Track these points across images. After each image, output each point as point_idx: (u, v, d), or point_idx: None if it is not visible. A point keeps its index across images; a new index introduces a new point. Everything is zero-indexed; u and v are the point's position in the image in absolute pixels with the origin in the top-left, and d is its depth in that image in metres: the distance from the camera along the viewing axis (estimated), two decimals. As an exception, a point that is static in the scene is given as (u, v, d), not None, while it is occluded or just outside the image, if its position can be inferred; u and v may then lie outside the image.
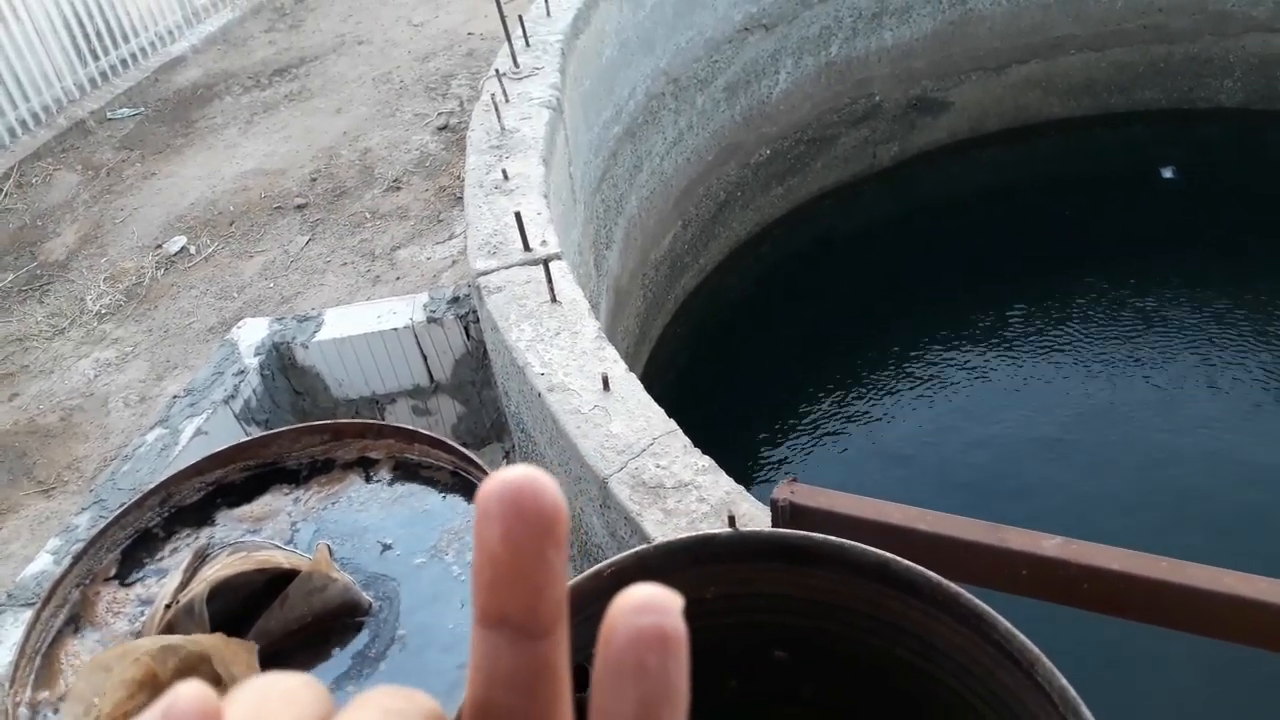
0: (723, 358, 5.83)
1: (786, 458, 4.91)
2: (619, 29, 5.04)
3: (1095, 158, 7.25)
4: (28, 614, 1.77)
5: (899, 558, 1.23)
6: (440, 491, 1.69)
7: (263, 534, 1.68)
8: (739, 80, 6.27)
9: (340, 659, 1.45)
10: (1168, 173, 6.79)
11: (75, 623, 1.55)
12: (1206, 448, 4.56)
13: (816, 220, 7.15)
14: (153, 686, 1.31)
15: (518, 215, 2.79)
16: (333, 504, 1.72)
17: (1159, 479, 4.39)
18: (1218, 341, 5.25)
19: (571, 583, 1.28)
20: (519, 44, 4.14)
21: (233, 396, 3.31)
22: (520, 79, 3.97)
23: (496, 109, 3.63)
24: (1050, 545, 1.49)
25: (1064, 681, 1.08)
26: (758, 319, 6.20)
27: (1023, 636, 1.13)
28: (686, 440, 2.14)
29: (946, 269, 6.34)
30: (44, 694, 1.43)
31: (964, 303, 5.92)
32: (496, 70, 3.93)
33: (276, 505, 1.74)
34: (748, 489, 2.06)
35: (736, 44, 6.14)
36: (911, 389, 5.34)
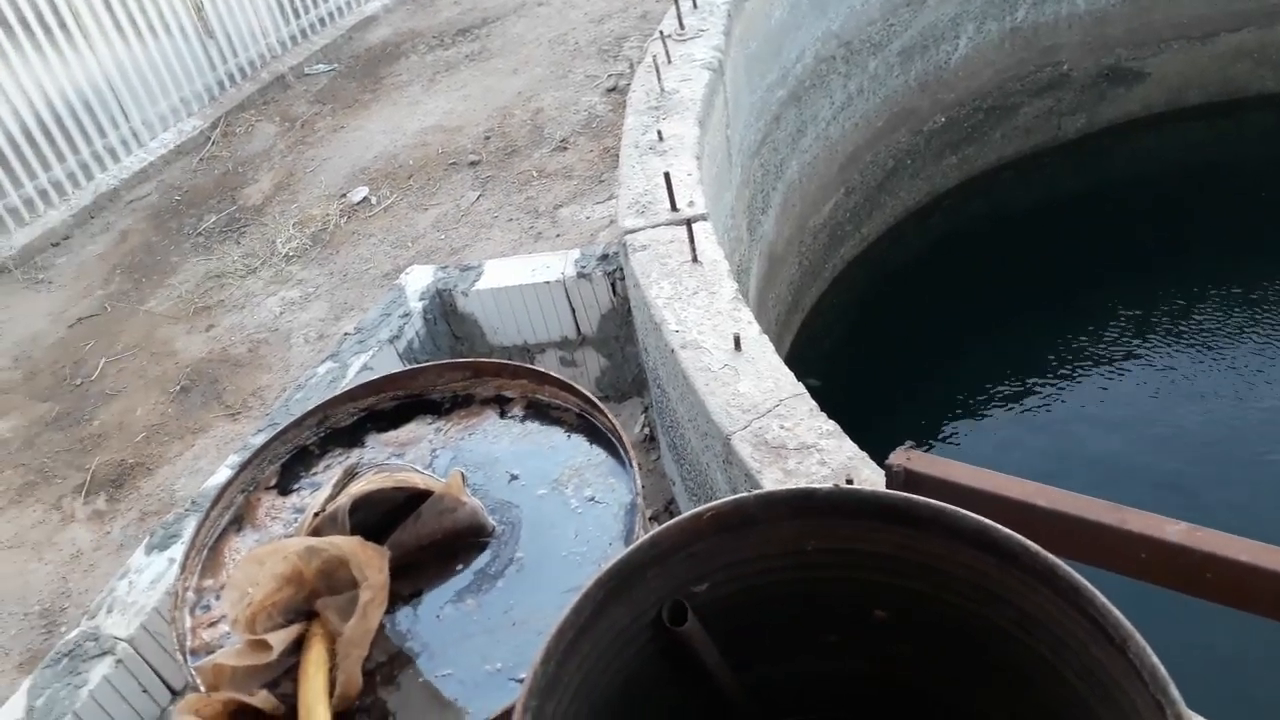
0: (878, 330, 5.72)
1: (925, 429, 4.79)
2: (790, -9, 4.99)
3: (1311, 136, 6.64)
4: (204, 515, 1.98)
5: (998, 525, 1.22)
6: (566, 431, 1.78)
7: (406, 458, 1.82)
8: (915, 45, 6.09)
9: (464, 574, 1.56)
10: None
11: (239, 523, 1.73)
12: None
13: (992, 193, 6.88)
14: (298, 581, 1.46)
15: (666, 176, 2.85)
16: (469, 435, 1.84)
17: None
18: None
19: (673, 521, 1.34)
20: (686, 6, 4.17)
21: (397, 337, 3.53)
22: (684, 40, 4.00)
23: (658, 70, 3.68)
24: (1174, 530, 1.44)
25: (1155, 660, 1.06)
26: (919, 293, 6.04)
27: (1118, 612, 1.12)
28: (813, 404, 2.15)
29: (1131, 251, 5.97)
30: (209, 581, 1.62)
31: (1142, 288, 5.59)
32: (661, 32, 3.97)
33: (420, 433, 1.88)
34: (877, 459, 2.06)
35: (915, 7, 5.95)
36: (1067, 374, 5.10)
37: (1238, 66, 6.79)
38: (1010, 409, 4.97)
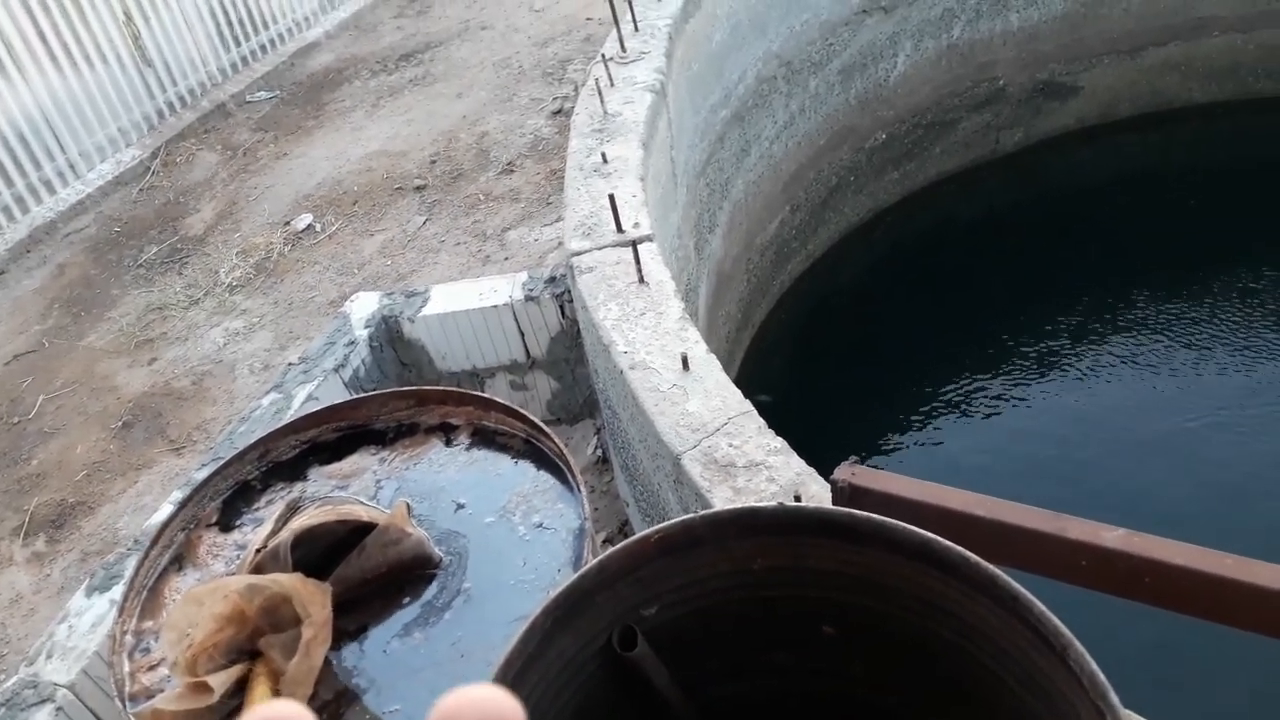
0: (827, 346, 5.78)
1: (872, 443, 4.84)
2: (730, 12, 5.04)
3: (1238, 146, 6.84)
4: (144, 555, 1.94)
5: (939, 538, 1.24)
6: (513, 457, 1.77)
7: (350, 490, 1.80)
8: (855, 63, 6.18)
9: (411, 607, 1.54)
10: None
11: (179, 562, 1.69)
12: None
13: (933, 207, 6.99)
14: (240, 620, 1.43)
15: (611, 198, 2.86)
16: (414, 464, 1.82)
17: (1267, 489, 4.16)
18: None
19: (620, 546, 1.34)
20: (627, 29, 4.20)
21: (343, 365, 3.49)
22: (626, 63, 4.03)
23: (600, 93, 3.70)
24: (1112, 537, 1.47)
25: (1094, 666, 1.08)
26: (866, 308, 6.11)
27: (1057, 620, 1.13)
28: (761, 422, 2.16)
29: (1070, 261, 6.10)
30: (149, 623, 1.58)
31: (1081, 298, 5.70)
32: (603, 55, 4.00)
33: (364, 464, 1.86)
34: (824, 474, 2.07)
35: (853, 26, 6.05)
36: (1011, 385, 5.19)
37: (1166, 79, 7.00)
38: (956, 420, 5.04)
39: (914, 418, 5.10)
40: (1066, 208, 6.68)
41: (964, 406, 5.14)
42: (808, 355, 5.73)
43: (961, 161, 7.05)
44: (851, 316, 5.98)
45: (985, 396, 5.18)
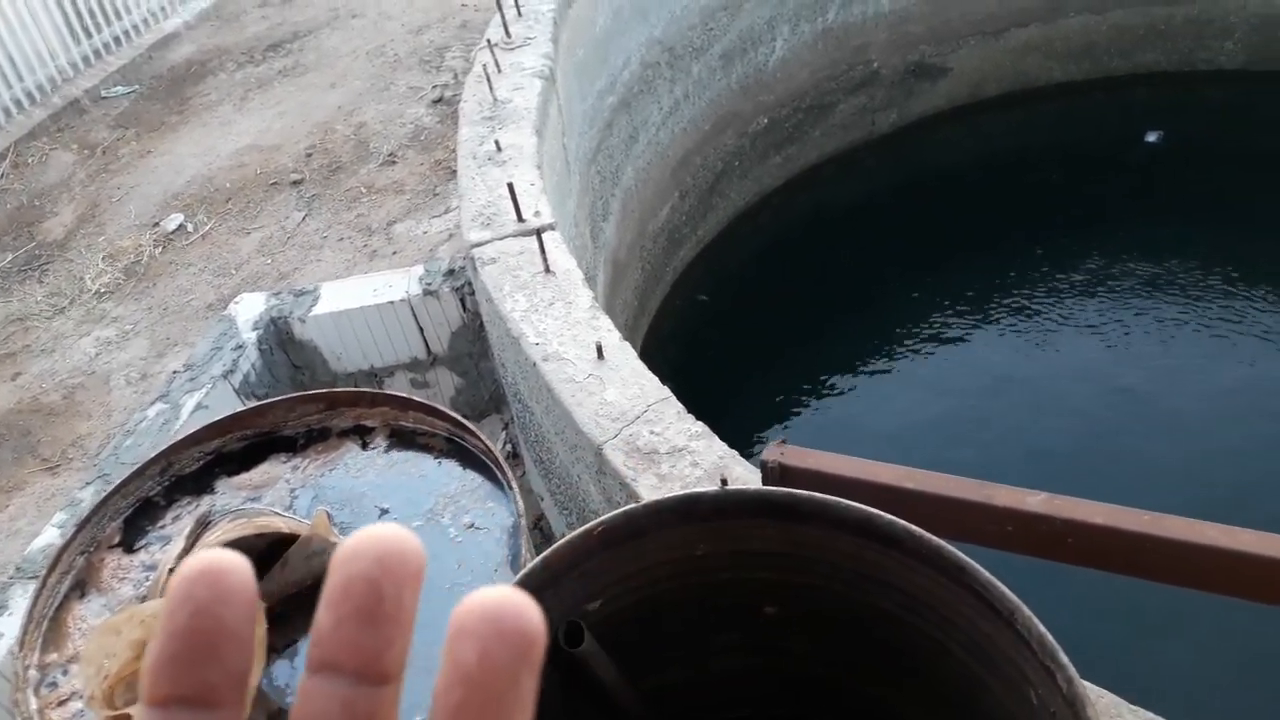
0: (722, 329, 5.84)
1: (785, 424, 4.94)
2: (612, -2, 5.02)
3: (1094, 122, 7.21)
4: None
5: (882, 513, 1.26)
6: (435, 457, 1.72)
7: (263, 501, 1.71)
8: (735, 48, 6.24)
9: (340, 620, 1.48)
10: (1152, 137, 6.76)
11: (81, 588, 1.58)
12: (1204, 407, 4.59)
13: (815, 189, 7.14)
14: (157, 648, 1.34)
15: (510, 186, 2.80)
16: (330, 471, 1.75)
17: (1154, 441, 4.43)
18: (1211, 304, 5.27)
19: (563, 541, 1.31)
20: (510, 14, 4.13)
21: (232, 371, 3.33)
22: (512, 49, 3.96)
23: (489, 80, 3.63)
24: (1034, 501, 1.52)
25: (1043, 629, 1.11)
26: (757, 290, 6.21)
27: (1002, 586, 1.16)
28: (680, 407, 2.16)
29: (945, 236, 6.32)
30: (52, 656, 1.47)
31: (961, 270, 5.93)
32: (488, 41, 3.92)
33: (275, 473, 1.77)
34: (745, 456, 2.09)
35: (732, 10, 6.10)
36: (908, 357, 5.37)
37: (1028, 59, 7.31)
38: (854, 397, 5.18)
39: (815, 395, 5.21)
40: (940, 186, 6.92)
41: (858, 383, 5.28)
42: (705, 340, 5.79)
43: (840, 143, 7.22)
44: (744, 300, 6.06)
45: (875, 371, 5.34)
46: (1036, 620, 1.10)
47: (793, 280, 6.12)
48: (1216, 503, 3.81)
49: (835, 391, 5.20)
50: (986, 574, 1.16)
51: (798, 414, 5.07)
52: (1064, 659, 1.07)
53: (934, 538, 1.20)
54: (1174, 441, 4.44)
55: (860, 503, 1.30)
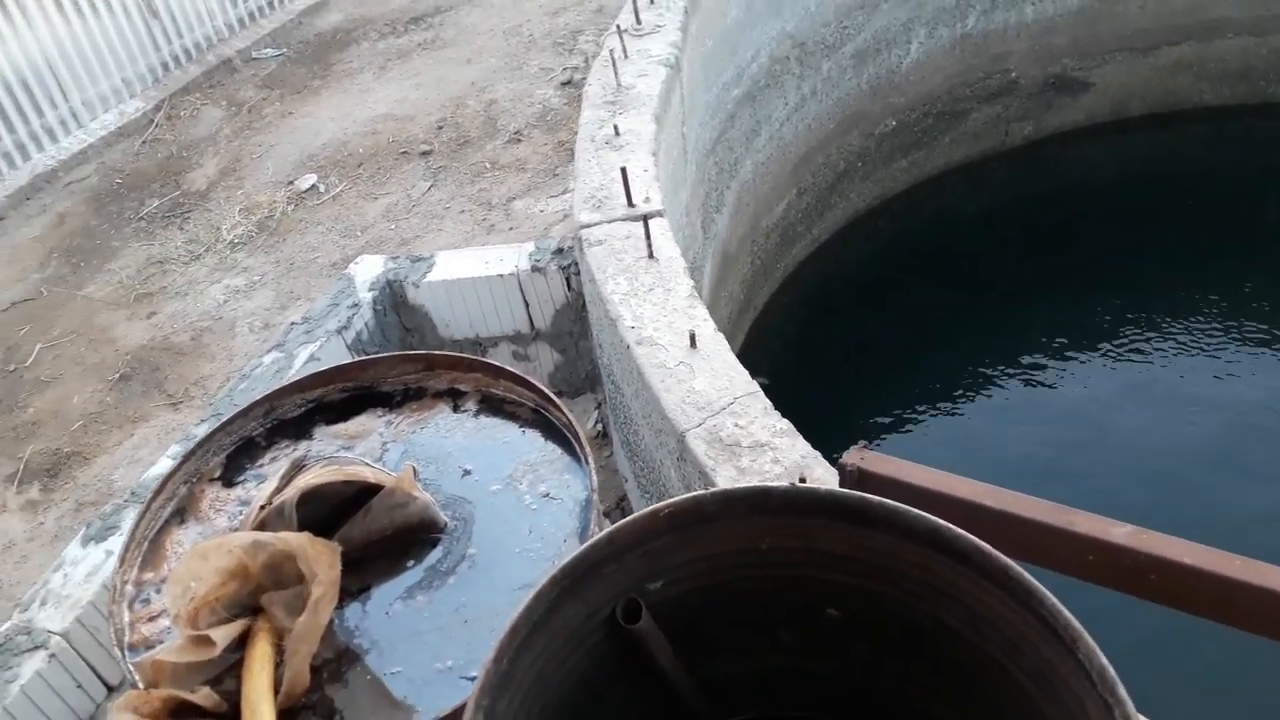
0: (826, 330, 5.78)
1: (875, 433, 4.85)
2: (747, -10, 5.00)
3: (1244, 149, 6.83)
4: (144, 507, 1.93)
5: (951, 525, 1.24)
6: (520, 426, 1.76)
7: (355, 451, 1.79)
8: (868, 48, 6.14)
9: (415, 570, 1.54)
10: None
11: (181, 515, 1.69)
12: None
13: (940, 197, 6.98)
14: (244, 576, 1.43)
15: (623, 171, 2.84)
16: (421, 428, 1.81)
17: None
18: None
19: (630, 518, 1.33)
20: (642, 0, 4.16)
21: (345, 327, 3.47)
22: (641, 36, 3.99)
23: (614, 65, 3.67)
24: (1119, 533, 1.47)
25: (1104, 660, 1.08)
26: (868, 294, 6.11)
27: (1068, 613, 1.13)
28: (767, 402, 2.16)
29: (1071, 257, 6.10)
30: (149, 575, 1.57)
31: (1084, 294, 5.71)
32: (618, 26, 3.96)
33: (370, 425, 1.84)
34: (829, 459, 2.07)
35: (868, 10, 6.00)
36: (1014, 379, 5.20)
37: (1178, 79, 6.97)
38: (956, 408, 5.05)
39: (913, 405, 5.11)
40: (1073, 203, 6.67)
41: (963, 396, 5.15)
42: (809, 340, 5.73)
43: (970, 152, 7.03)
44: (854, 303, 5.98)
45: (983, 388, 5.19)
46: (1099, 651, 1.07)
47: (906, 288, 6.00)
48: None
49: (932, 406, 5.09)
50: (1053, 599, 1.14)
51: (889, 423, 4.98)
52: (1123, 694, 1.04)
53: (1002, 556, 1.18)
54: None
55: (936, 516, 1.28)
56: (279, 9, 8.20)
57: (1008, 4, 6.48)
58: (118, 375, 4.44)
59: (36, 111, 6.35)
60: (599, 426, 3.64)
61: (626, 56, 3.83)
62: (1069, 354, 5.28)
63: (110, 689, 2.57)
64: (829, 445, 2.52)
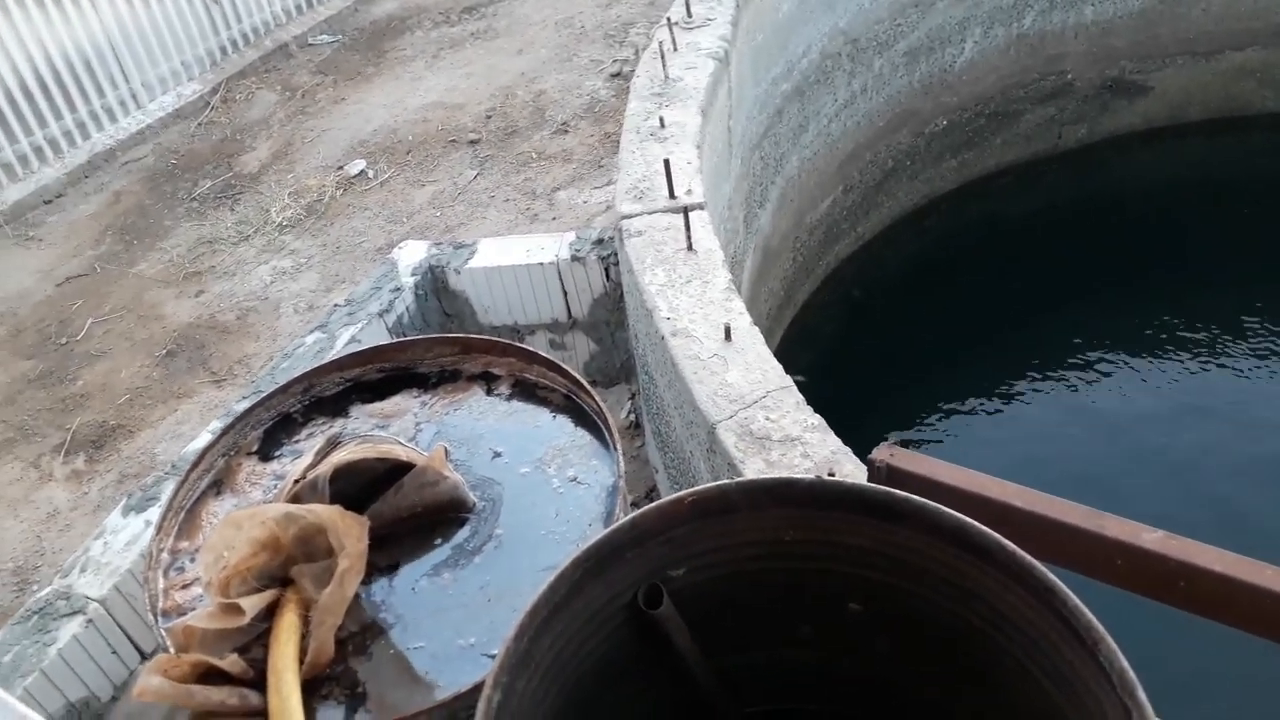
0: (867, 329, 5.73)
1: (909, 429, 4.81)
2: (799, -15, 4.97)
3: (1309, 159, 6.65)
4: (184, 478, 1.97)
5: (976, 523, 1.23)
6: (551, 411, 1.78)
7: (390, 429, 1.82)
8: (921, 46, 6.08)
9: (442, 549, 1.56)
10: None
11: (218, 487, 1.72)
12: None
13: (989, 198, 6.88)
14: (275, 547, 1.46)
15: (666, 163, 2.84)
16: (455, 410, 1.83)
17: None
18: None
19: (654, 505, 1.34)
20: (694, -7, 4.15)
21: (387, 310, 3.52)
22: (691, 29, 3.99)
23: (663, 57, 3.67)
24: (1150, 539, 1.45)
25: (1125, 663, 1.07)
26: (911, 293, 6.04)
27: (1090, 615, 1.12)
28: (800, 398, 2.15)
29: (1122, 263, 5.98)
30: (184, 544, 1.61)
31: (1132, 301, 5.60)
32: (668, 19, 3.96)
33: (405, 405, 1.87)
34: (860, 456, 2.06)
35: (923, 8, 5.93)
36: (1054, 383, 5.11)
37: (1241, 85, 6.80)
38: (994, 412, 4.99)
39: (950, 407, 5.05)
40: (1125, 209, 6.55)
41: (999, 400, 5.09)
42: (849, 338, 5.69)
43: (1021, 154, 6.93)
44: (896, 304, 5.92)
45: (1022, 391, 5.12)
46: (1119, 653, 1.06)
47: (950, 289, 5.93)
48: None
49: (969, 410, 5.02)
50: (1075, 599, 1.13)
51: (924, 424, 4.93)
52: (1142, 697, 1.02)
53: (1026, 555, 1.17)
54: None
55: (965, 515, 1.27)
56: (335, -4, 8.30)
57: (1066, 4, 6.37)
58: (165, 351, 4.53)
59: (97, 91, 6.49)
60: (631, 417, 3.65)
61: (675, 49, 3.83)
62: (1113, 362, 5.19)
63: (143, 656, 2.64)
64: (863, 443, 2.50)
